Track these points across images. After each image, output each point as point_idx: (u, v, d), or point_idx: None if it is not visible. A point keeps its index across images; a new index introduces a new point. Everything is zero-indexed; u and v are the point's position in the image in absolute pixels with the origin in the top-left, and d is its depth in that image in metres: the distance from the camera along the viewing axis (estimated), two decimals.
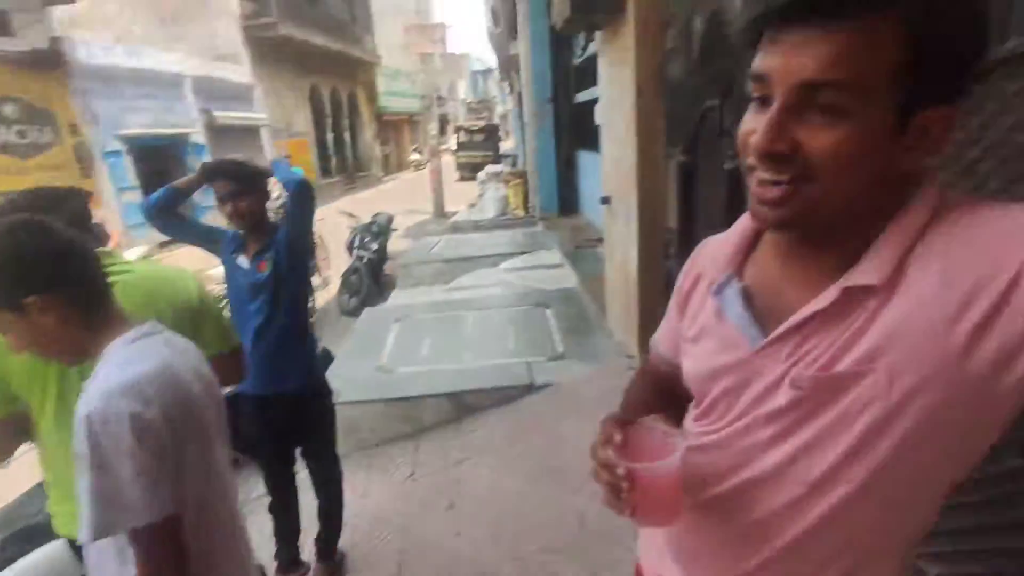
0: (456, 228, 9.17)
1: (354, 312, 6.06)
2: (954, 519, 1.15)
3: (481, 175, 12.67)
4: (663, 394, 0.87)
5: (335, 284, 6.72)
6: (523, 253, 7.02)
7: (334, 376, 3.41)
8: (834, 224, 0.56)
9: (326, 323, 6.00)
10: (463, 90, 44.57)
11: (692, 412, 0.77)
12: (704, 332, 0.71)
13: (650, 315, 3.27)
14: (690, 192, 2.65)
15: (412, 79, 26.16)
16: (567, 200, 9.03)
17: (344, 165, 20.16)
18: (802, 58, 0.50)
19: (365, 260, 6.62)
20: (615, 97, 3.34)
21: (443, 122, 31.34)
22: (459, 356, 3.88)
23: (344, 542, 2.30)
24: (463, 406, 3.28)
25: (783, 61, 0.51)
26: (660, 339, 0.89)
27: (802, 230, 0.58)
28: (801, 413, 0.59)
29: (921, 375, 0.51)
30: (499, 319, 4.61)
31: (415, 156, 26.79)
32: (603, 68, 3.56)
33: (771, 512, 0.63)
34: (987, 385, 0.49)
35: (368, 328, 4.59)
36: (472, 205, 11.59)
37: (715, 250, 0.72)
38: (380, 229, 7.10)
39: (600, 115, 3.91)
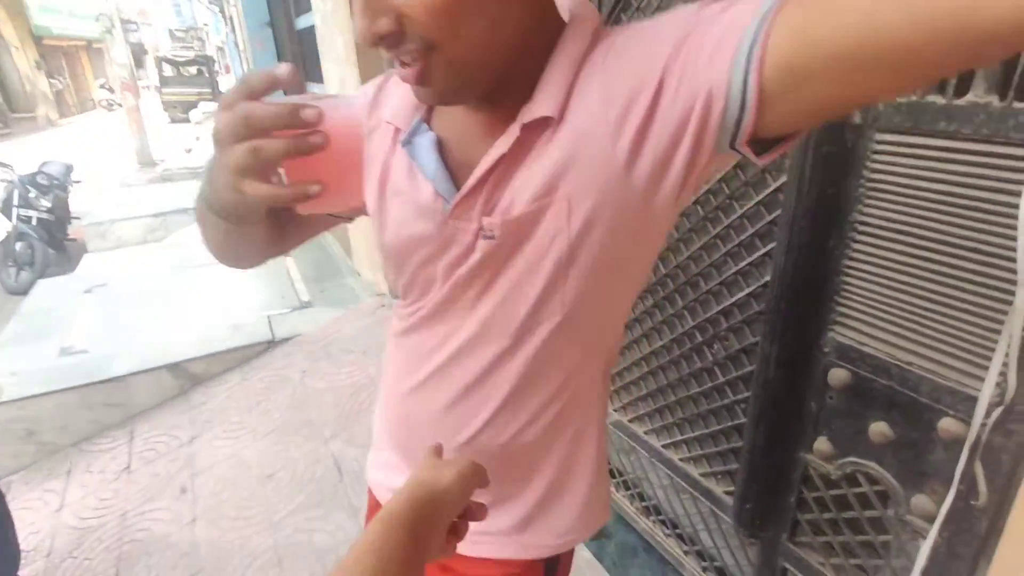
0: (168, 177, 7.71)
1: (27, 289, 4.73)
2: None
3: (196, 115, 10.97)
4: None
5: None
6: None
7: None
8: (499, 73, 0.50)
9: None
10: (163, 15, 36.87)
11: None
12: (397, 195, 0.60)
13: None
14: None
15: None
16: None
17: None
18: None
19: (34, 222, 5.15)
20: (329, 13, 3.03)
21: (140, 53, 25.88)
22: (181, 322, 3.29)
23: (34, 570, 1.80)
24: (189, 376, 2.80)
25: None
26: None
27: (468, 94, 0.51)
28: (497, 264, 0.56)
29: (595, 196, 0.50)
30: (231, 275, 4.02)
31: (104, 93, 21.55)
32: None
33: (483, 371, 0.61)
34: (649, 194, 0.49)
35: (44, 304, 3.59)
36: (189, 150, 9.87)
37: (401, 94, 0.60)
38: (53, 181, 5.54)
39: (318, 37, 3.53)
